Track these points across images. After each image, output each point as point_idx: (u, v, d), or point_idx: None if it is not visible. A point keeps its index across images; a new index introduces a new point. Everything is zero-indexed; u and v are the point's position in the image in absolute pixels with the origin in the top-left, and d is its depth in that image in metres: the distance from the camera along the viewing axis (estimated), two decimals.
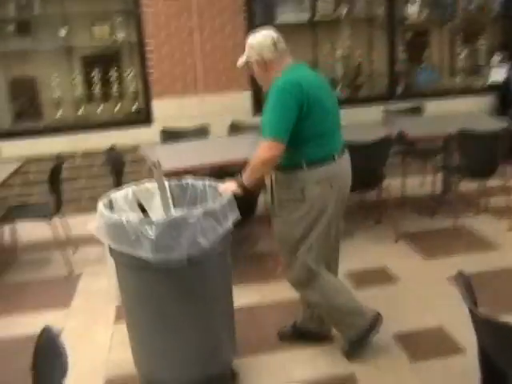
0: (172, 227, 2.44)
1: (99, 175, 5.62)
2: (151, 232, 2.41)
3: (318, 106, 2.76)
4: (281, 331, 3.35)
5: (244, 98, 5.90)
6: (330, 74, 6.23)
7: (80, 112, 5.95)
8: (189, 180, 3.02)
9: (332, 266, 3.12)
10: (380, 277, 4.08)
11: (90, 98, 6.00)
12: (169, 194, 2.82)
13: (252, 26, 5.75)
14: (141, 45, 5.75)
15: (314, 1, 6.09)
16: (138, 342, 2.82)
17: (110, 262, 2.81)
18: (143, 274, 2.59)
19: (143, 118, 5.88)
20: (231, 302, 2.91)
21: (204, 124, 5.40)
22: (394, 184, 5.31)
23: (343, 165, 2.93)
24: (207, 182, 2.96)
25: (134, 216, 2.62)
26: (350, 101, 6.06)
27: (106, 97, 5.98)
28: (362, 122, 5.45)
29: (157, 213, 2.79)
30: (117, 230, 2.50)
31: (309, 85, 2.76)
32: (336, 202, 2.90)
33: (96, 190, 5.54)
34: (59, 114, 5.89)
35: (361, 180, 4.42)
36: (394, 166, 5.61)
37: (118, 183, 4.59)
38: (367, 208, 5.33)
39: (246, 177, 2.81)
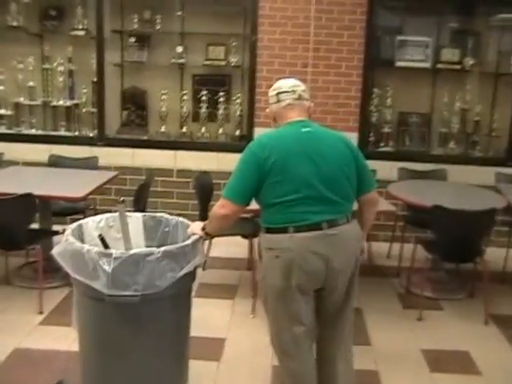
0: (130, 263, 2.42)
1: (191, 195, 5.54)
2: (108, 265, 2.39)
3: (280, 174, 2.51)
4: None
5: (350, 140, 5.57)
6: (444, 126, 5.87)
7: (184, 129, 5.94)
8: (163, 214, 3.01)
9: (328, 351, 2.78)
10: (459, 362, 3.64)
11: (195, 116, 5.97)
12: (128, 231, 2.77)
13: (369, 66, 5.58)
14: (252, 71, 5.64)
15: (439, 48, 5.74)
16: (86, 370, 2.74)
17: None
18: (96, 305, 2.55)
19: (244, 144, 5.65)
20: (185, 342, 2.82)
21: None
22: (496, 255, 4.85)
23: (305, 242, 2.51)
24: (180, 219, 2.93)
25: (94, 246, 2.57)
26: (462, 159, 5.66)
27: (211, 117, 5.92)
28: (472, 183, 5.08)
29: (119, 246, 2.74)
30: (76, 258, 2.49)
31: (277, 151, 2.52)
32: (282, 277, 2.55)
33: (185, 210, 5.60)
34: (163, 128, 5.90)
35: (456, 251, 4.18)
36: (500, 234, 5.19)
37: (204, 208, 4.52)
38: (462, 278, 4.84)
39: (207, 224, 2.70)
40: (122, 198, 2.70)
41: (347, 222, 2.60)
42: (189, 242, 2.60)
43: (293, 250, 2.52)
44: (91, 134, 5.90)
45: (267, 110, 2.79)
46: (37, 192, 3.94)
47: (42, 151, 5.48)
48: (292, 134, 2.62)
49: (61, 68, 5.90)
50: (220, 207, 2.59)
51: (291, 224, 2.52)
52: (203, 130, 5.90)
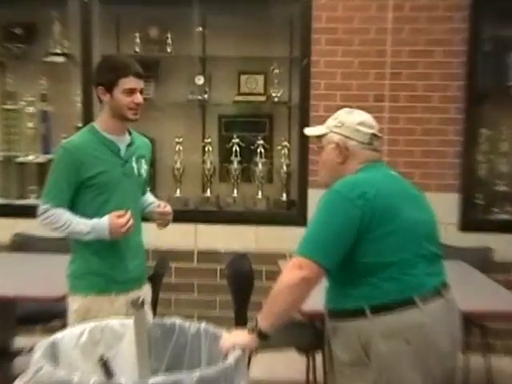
0: None
1: (220, 288, 5.35)
2: None
3: (392, 222, 2.66)
4: None
5: (448, 203, 5.35)
6: None
7: (208, 193, 5.77)
8: (176, 320, 2.80)
9: None
10: None
11: (224, 175, 5.82)
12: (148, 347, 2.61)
13: (473, 96, 5.38)
14: (304, 108, 5.44)
15: None
16: None
17: None
18: None
19: (294, 213, 5.53)
20: None
21: None
22: None
23: (437, 314, 2.66)
24: (203, 326, 2.72)
25: (91, 374, 2.33)
26: None
27: (246, 176, 5.77)
28: None
29: (126, 369, 2.55)
30: None
31: (381, 193, 2.68)
32: (419, 370, 2.61)
33: (210, 309, 5.50)
34: (178, 191, 5.74)
35: None
36: None
37: (241, 307, 4.48)
38: None
39: (264, 314, 2.63)
40: (140, 298, 2.53)
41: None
42: (231, 360, 2.39)
43: (426, 327, 2.60)
44: None
45: (331, 145, 2.85)
46: None
47: (1, 229, 5.42)
48: (385, 176, 2.84)
49: (30, 109, 5.82)
50: (296, 268, 2.58)
51: (416, 292, 2.62)
52: (235, 193, 5.74)
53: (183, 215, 5.47)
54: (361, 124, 2.82)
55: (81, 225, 3.27)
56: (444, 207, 4.98)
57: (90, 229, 3.27)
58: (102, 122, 3.41)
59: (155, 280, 4.47)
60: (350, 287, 2.66)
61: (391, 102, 5.40)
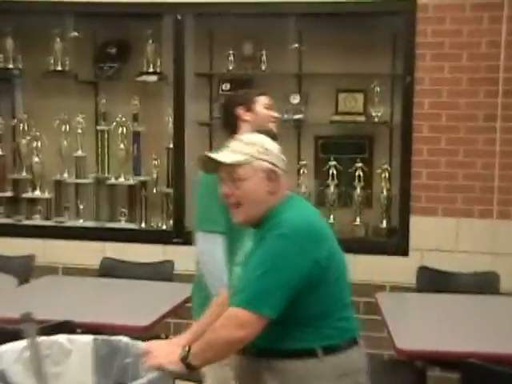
0: None
1: None
2: None
3: (338, 266, 2.64)
4: None
5: None
6: None
7: None
8: (123, 338, 2.77)
9: None
10: None
11: (320, 198, 5.79)
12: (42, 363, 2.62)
13: None
14: (407, 129, 5.37)
15: None
16: None
17: None
18: None
19: (395, 242, 5.46)
20: None
21: (490, 272, 4.82)
22: None
23: (364, 353, 2.75)
24: (140, 344, 2.73)
25: None
26: None
27: (343, 201, 5.75)
28: None
29: None
30: None
31: (325, 232, 2.64)
32: None
33: None
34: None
35: None
36: None
37: None
38: None
39: (197, 353, 2.52)
40: (27, 313, 2.55)
41: None
42: (154, 377, 2.42)
43: (365, 367, 2.69)
44: (164, 227, 5.86)
45: (259, 175, 2.63)
46: (81, 318, 3.82)
47: (91, 252, 5.46)
48: (316, 215, 2.74)
49: (122, 129, 5.91)
50: (237, 326, 2.48)
51: (356, 331, 2.68)
52: (331, 219, 5.67)
53: None
54: (279, 151, 2.71)
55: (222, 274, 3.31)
56: None
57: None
58: None
59: None
60: (298, 328, 2.58)
61: (504, 122, 5.25)
